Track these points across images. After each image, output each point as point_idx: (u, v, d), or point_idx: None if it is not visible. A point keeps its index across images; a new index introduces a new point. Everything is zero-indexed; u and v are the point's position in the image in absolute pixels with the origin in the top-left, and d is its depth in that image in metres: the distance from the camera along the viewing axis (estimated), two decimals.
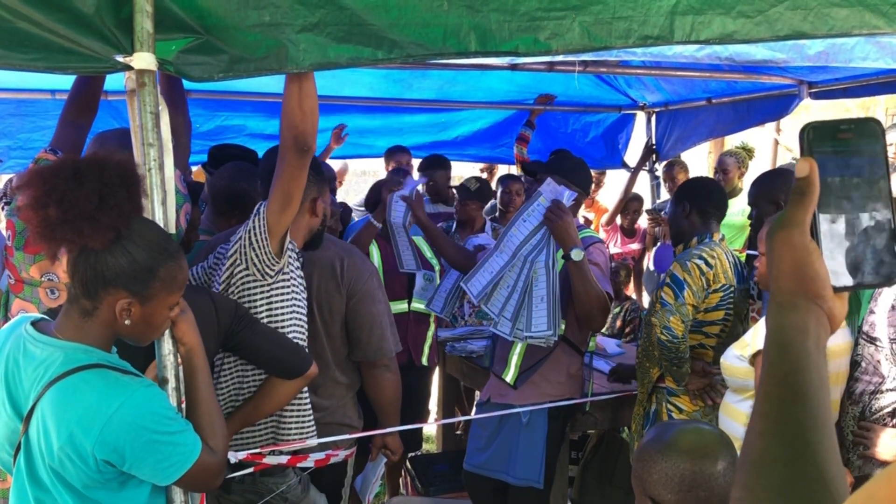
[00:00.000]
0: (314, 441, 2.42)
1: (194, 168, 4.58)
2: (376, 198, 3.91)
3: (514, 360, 3.06)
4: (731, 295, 2.90)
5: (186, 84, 2.86)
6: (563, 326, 3.00)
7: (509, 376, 3.06)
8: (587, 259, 2.93)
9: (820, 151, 0.77)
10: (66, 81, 3.76)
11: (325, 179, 2.46)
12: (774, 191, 3.14)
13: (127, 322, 1.58)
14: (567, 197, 2.83)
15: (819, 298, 0.75)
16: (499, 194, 5.03)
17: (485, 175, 7.06)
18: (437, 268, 3.98)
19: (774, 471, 0.67)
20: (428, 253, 3.98)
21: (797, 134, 0.79)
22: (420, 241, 4.01)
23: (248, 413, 2.24)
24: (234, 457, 2.28)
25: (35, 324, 1.65)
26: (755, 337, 2.40)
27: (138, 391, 1.54)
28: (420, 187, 3.88)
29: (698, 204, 3.04)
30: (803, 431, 0.67)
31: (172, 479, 1.60)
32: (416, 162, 5.30)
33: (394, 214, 3.61)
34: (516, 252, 2.88)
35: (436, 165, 5.03)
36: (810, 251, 0.75)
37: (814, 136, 0.78)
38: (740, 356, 2.46)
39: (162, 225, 1.67)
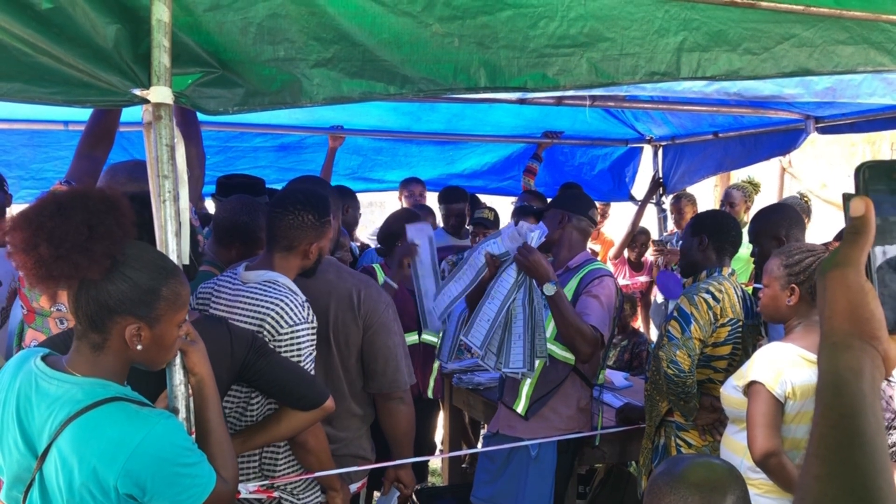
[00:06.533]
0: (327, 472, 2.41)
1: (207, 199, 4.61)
2: (388, 231, 3.92)
3: (525, 390, 3.04)
4: (739, 329, 2.88)
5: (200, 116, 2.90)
6: (573, 357, 2.99)
7: (520, 407, 3.05)
8: (590, 291, 2.95)
9: (875, 190, 0.76)
10: (78, 112, 3.81)
11: (328, 223, 2.39)
12: (774, 226, 3.12)
13: (139, 347, 1.57)
14: (537, 237, 2.85)
15: (874, 340, 0.73)
16: None
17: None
18: None
19: None
20: None
21: (852, 173, 0.78)
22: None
23: (257, 437, 2.19)
24: (244, 489, 2.27)
25: (45, 358, 1.64)
26: (750, 367, 2.39)
27: (159, 423, 1.54)
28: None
29: (716, 238, 3.00)
30: (863, 477, 0.66)
31: None
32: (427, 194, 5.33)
33: (420, 261, 3.64)
34: (508, 296, 2.88)
35: (458, 198, 5.07)
36: (866, 291, 0.74)
37: (869, 175, 0.77)
38: (736, 386, 2.45)
39: (175, 256, 1.67)
